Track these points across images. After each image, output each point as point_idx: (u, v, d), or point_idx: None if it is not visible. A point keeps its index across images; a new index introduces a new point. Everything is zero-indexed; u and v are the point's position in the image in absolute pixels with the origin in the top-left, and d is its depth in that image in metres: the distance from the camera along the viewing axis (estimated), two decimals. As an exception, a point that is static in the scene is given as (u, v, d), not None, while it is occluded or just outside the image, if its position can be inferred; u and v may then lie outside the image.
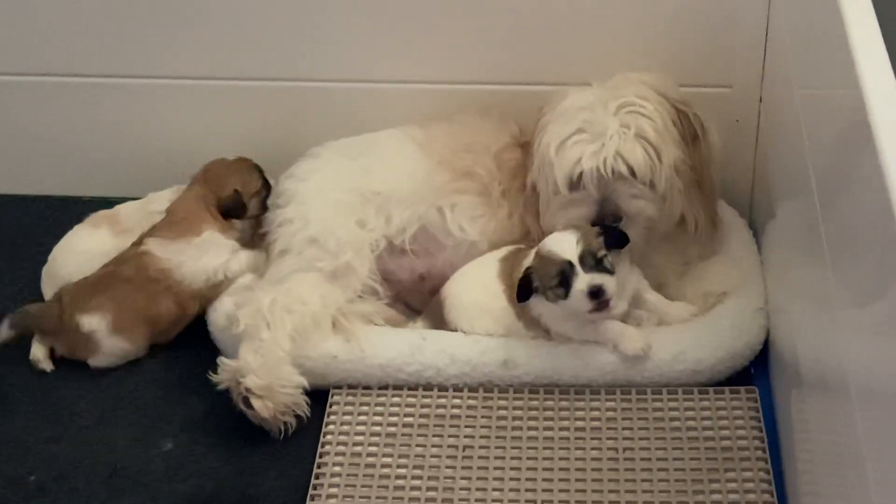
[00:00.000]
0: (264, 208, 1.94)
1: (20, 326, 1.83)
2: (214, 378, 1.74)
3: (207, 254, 1.87)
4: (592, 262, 1.66)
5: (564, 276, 1.66)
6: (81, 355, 1.85)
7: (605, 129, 1.72)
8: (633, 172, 1.72)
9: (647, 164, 1.72)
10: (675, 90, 1.81)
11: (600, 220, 1.72)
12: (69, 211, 2.07)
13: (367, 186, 1.89)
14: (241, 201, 1.92)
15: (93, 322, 1.83)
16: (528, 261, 1.73)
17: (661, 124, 1.74)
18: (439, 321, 1.83)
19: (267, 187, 1.96)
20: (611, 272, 1.67)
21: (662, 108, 1.76)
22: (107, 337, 1.83)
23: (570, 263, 1.66)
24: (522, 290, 1.70)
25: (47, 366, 1.85)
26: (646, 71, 1.81)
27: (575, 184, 1.74)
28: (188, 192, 1.94)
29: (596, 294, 1.66)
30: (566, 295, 1.67)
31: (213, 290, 1.87)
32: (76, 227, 2.02)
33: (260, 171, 1.97)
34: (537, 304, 1.73)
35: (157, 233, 1.90)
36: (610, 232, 1.70)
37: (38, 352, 1.85)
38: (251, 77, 2.06)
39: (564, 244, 1.67)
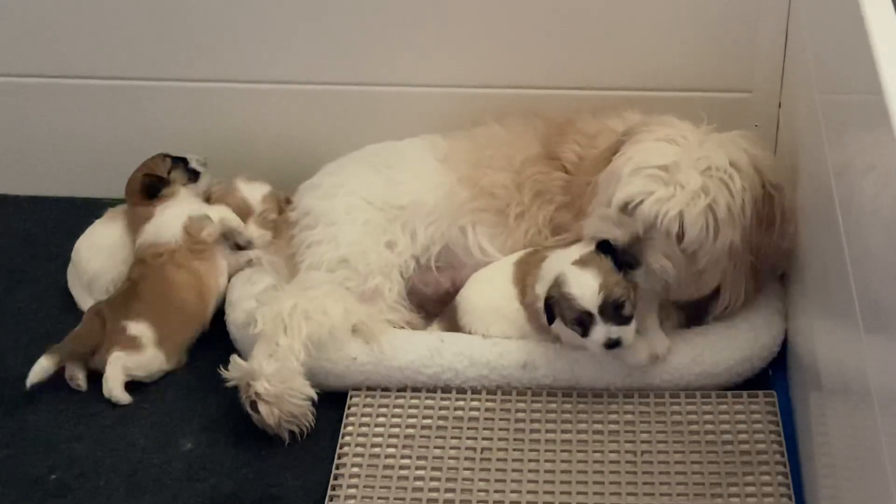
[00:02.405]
0: (192, 175, 2.00)
1: (67, 355, 1.82)
2: (225, 374, 1.75)
3: (164, 214, 1.95)
4: (612, 311, 1.66)
5: (583, 323, 1.67)
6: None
7: (685, 182, 1.66)
8: (680, 238, 1.67)
9: (699, 239, 1.66)
10: (772, 169, 1.73)
11: (622, 251, 1.68)
12: (90, 212, 2.07)
13: (392, 200, 1.89)
14: (154, 180, 1.96)
15: (139, 328, 1.84)
16: (548, 276, 1.71)
17: (737, 205, 1.67)
18: (454, 325, 1.83)
19: (183, 161, 2.00)
20: (629, 320, 1.67)
21: (750, 185, 1.69)
22: (152, 345, 1.85)
23: (590, 314, 1.66)
24: (548, 314, 1.70)
25: (84, 384, 1.84)
26: (752, 137, 1.75)
27: (627, 209, 1.69)
28: None
29: (612, 345, 1.67)
30: (584, 335, 1.68)
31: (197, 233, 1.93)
32: (96, 223, 2.03)
33: (169, 157, 2.01)
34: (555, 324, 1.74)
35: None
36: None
37: (79, 373, 1.84)
38: (271, 80, 2.07)
39: (587, 291, 1.65)
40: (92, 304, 1.94)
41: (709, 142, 1.72)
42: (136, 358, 1.84)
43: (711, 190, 1.66)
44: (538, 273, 1.76)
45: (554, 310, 1.69)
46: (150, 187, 1.97)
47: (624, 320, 1.67)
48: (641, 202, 1.66)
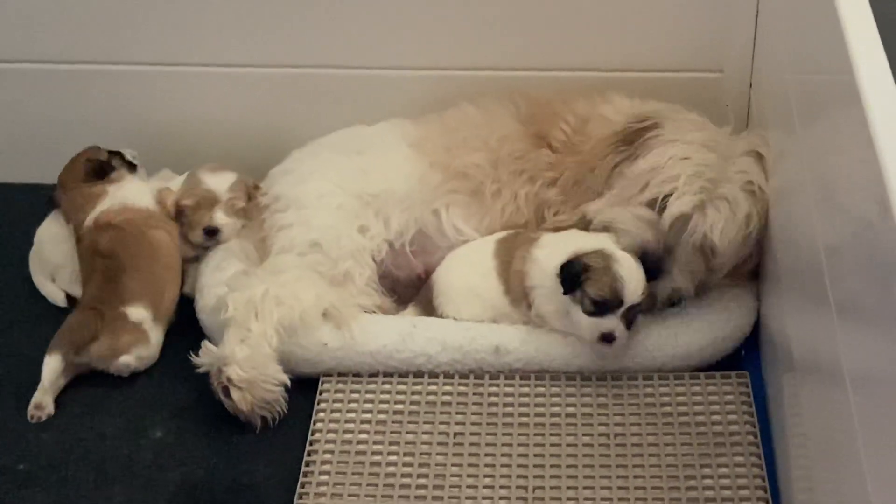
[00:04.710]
0: (130, 166, 1.99)
1: (67, 347, 1.77)
2: (195, 360, 1.74)
3: (123, 189, 1.94)
4: (633, 312, 1.67)
5: (604, 308, 1.66)
6: (122, 350, 1.79)
7: (734, 201, 1.68)
8: (714, 255, 1.70)
9: (730, 261, 1.72)
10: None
11: (648, 253, 1.68)
12: (55, 198, 2.05)
13: (365, 189, 1.88)
14: (98, 164, 1.95)
15: (139, 313, 1.81)
16: (564, 247, 1.70)
17: (762, 228, 1.71)
18: (429, 307, 1.83)
19: (118, 154, 1.99)
20: (630, 326, 1.68)
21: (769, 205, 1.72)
22: (152, 327, 1.82)
23: (620, 304, 1.65)
24: (570, 277, 1.66)
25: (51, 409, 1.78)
26: (764, 138, 1.75)
27: (674, 220, 1.69)
28: None
29: (607, 338, 1.67)
30: (594, 314, 1.66)
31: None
32: (56, 212, 2.00)
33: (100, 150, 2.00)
34: (547, 292, 1.72)
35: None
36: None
37: (47, 398, 1.76)
38: (239, 64, 2.05)
39: (635, 284, 1.64)
40: (56, 290, 1.93)
41: (739, 148, 1.73)
42: (143, 353, 1.81)
43: (754, 218, 1.70)
44: (537, 242, 1.75)
45: (581, 275, 1.66)
46: (97, 170, 1.95)
47: (630, 324, 1.68)
48: (692, 218, 1.68)
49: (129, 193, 1.93)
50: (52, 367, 1.76)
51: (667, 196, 1.69)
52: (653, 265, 1.68)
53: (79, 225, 1.92)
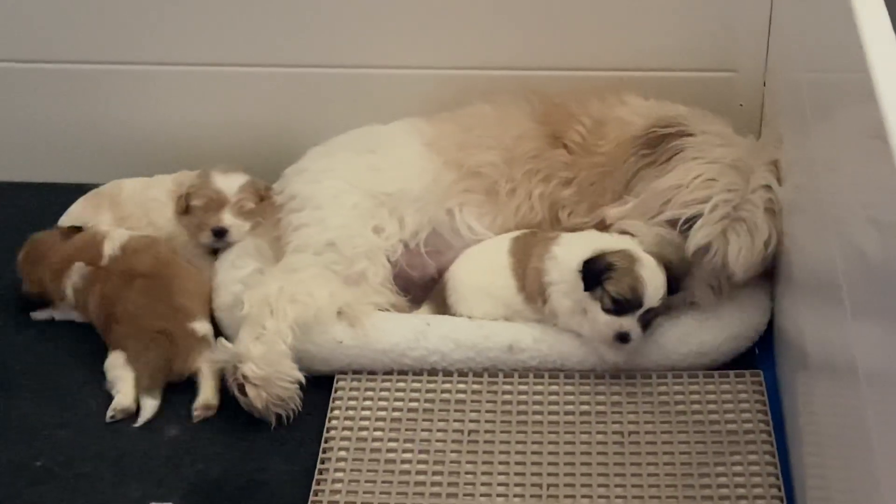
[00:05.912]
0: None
1: (161, 381, 1.78)
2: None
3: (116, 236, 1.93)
4: (651, 316, 1.68)
5: (623, 308, 1.66)
6: (195, 365, 1.79)
7: (754, 224, 1.70)
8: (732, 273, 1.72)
9: (748, 277, 1.73)
10: None
11: (669, 270, 1.68)
12: (72, 198, 2.05)
13: (379, 188, 1.88)
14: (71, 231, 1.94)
15: (204, 326, 1.82)
16: (586, 245, 1.70)
17: (777, 227, 1.73)
18: (443, 305, 1.83)
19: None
20: (646, 328, 1.68)
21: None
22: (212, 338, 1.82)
23: (640, 305, 1.65)
24: (592, 274, 1.67)
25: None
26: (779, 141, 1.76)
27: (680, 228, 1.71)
28: None
29: (622, 338, 1.67)
30: (612, 313, 1.67)
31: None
32: (71, 208, 2.01)
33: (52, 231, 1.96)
34: (565, 288, 1.72)
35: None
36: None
37: (126, 399, 1.76)
38: (254, 63, 2.06)
39: (655, 287, 1.65)
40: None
41: (760, 159, 1.73)
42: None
43: (773, 239, 1.71)
44: (556, 240, 1.76)
45: (604, 273, 1.66)
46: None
47: (645, 325, 1.68)
48: (714, 245, 1.69)
49: (123, 233, 1.93)
50: (151, 405, 1.76)
51: (689, 219, 1.69)
52: (673, 281, 1.69)
53: (92, 269, 1.89)
